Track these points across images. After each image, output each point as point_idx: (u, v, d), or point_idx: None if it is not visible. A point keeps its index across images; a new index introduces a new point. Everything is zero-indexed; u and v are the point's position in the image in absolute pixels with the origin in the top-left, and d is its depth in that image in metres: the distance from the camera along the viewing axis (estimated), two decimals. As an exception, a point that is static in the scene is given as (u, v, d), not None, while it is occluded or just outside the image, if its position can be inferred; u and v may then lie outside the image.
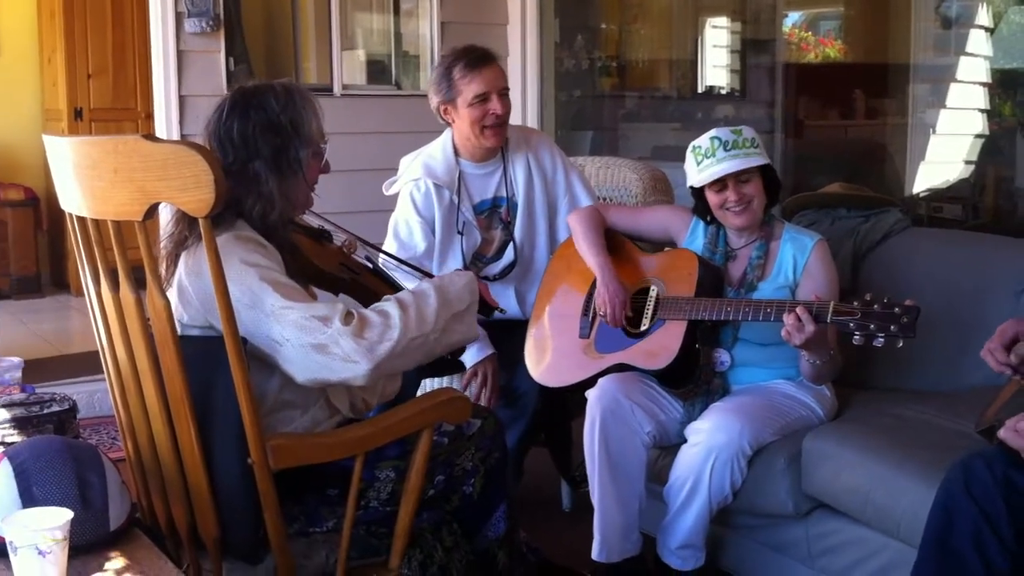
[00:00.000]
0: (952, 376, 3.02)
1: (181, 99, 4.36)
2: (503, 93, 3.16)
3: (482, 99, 3.13)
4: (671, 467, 2.76)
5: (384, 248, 3.13)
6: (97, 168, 1.88)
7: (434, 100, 3.22)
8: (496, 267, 3.30)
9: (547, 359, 3.03)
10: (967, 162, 5.51)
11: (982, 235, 3.94)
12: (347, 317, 1.99)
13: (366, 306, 2.12)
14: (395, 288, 2.43)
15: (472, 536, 2.40)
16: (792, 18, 6.76)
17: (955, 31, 5.58)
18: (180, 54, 4.35)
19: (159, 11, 4.30)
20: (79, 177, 1.93)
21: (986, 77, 5.41)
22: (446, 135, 3.29)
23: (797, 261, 2.85)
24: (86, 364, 4.27)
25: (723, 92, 6.84)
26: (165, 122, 4.35)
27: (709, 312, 2.72)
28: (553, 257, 3.24)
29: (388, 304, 2.07)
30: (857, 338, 2.46)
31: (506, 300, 3.20)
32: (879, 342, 2.43)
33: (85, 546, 1.90)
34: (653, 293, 2.89)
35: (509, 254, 3.30)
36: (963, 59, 5.54)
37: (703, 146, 2.83)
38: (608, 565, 2.82)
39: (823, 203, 3.50)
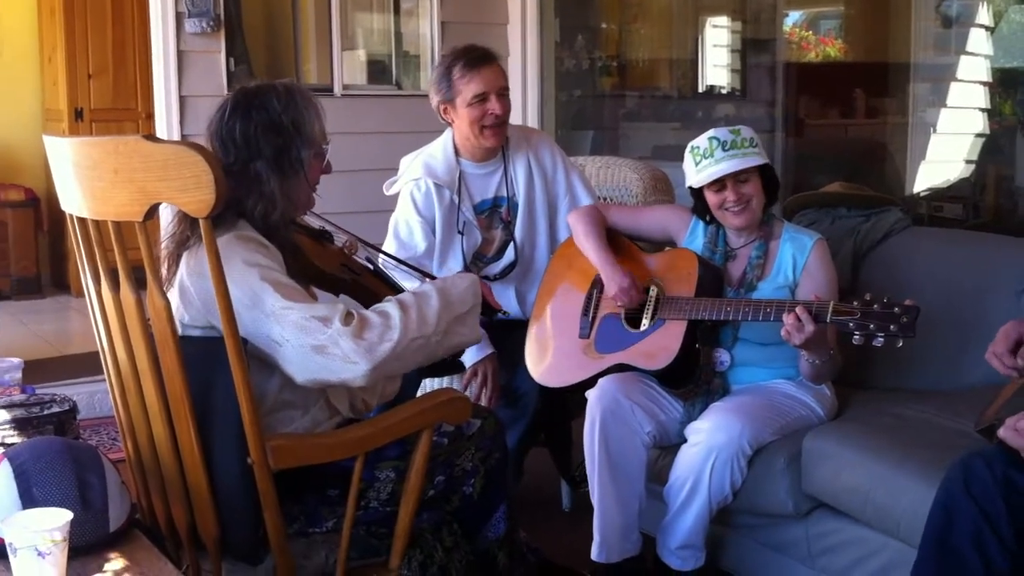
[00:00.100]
0: (952, 375, 3.01)
1: (181, 99, 4.36)
2: (502, 93, 3.16)
3: (481, 99, 3.13)
4: (671, 467, 2.76)
5: (384, 248, 3.13)
6: (97, 169, 1.88)
7: (434, 99, 3.22)
8: (496, 267, 3.30)
9: (547, 359, 3.03)
10: (968, 161, 5.51)
11: (983, 234, 3.93)
12: (347, 318, 1.99)
13: (367, 307, 2.12)
14: (396, 289, 2.43)
15: (472, 536, 2.41)
16: (792, 17, 6.76)
17: (955, 30, 5.58)
18: (180, 54, 4.35)
19: (159, 11, 4.30)
20: (79, 178, 1.93)
21: (986, 76, 5.41)
22: (446, 135, 3.29)
23: (796, 261, 2.85)
24: (86, 365, 4.27)
25: (723, 91, 6.83)
26: (165, 122, 4.35)
27: (709, 312, 2.72)
28: (553, 257, 3.24)
29: (389, 305, 2.07)
30: (857, 338, 2.46)
31: (506, 300, 3.20)
32: (879, 342, 2.43)
33: (85, 547, 1.91)
34: (653, 293, 2.89)
35: (509, 254, 3.30)
36: (963, 58, 5.54)
37: (701, 146, 2.83)
38: (608, 565, 2.82)
39: (823, 202, 3.50)
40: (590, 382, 2.88)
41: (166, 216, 2.21)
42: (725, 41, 6.78)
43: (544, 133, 4.09)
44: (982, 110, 5.45)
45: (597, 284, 3.01)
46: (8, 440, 2.79)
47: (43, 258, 7.24)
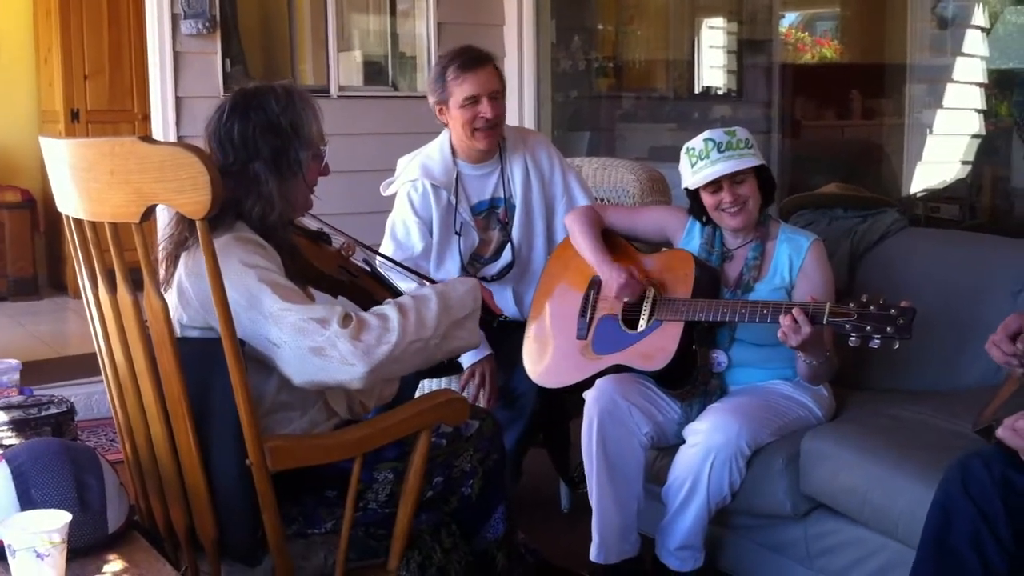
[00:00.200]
0: (949, 376, 3.02)
1: (177, 100, 4.36)
2: (494, 96, 3.14)
3: (472, 101, 3.12)
4: (669, 468, 2.76)
5: (381, 248, 3.13)
6: (93, 170, 1.88)
7: (431, 100, 3.22)
8: (494, 268, 3.30)
9: (545, 360, 3.03)
10: (964, 162, 5.53)
11: (979, 235, 3.94)
12: (345, 320, 1.99)
13: (364, 309, 2.12)
14: (393, 291, 2.43)
15: (471, 537, 2.40)
16: (789, 19, 6.78)
17: (951, 31, 5.59)
18: (176, 55, 4.35)
19: (155, 12, 4.30)
20: (76, 179, 1.93)
21: (982, 77, 5.43)
22: (444, 136, 3.29)
23: (793, 262, 2.86)
24: (84, 366, 4.26)
25: (720, 93, 6.85)
26: (162, 123, 4.35)
27: (706, 313, 2.72)
28: (550, 258, 3.24)
29: (387, 308, 2.07)
30: (853, 339, 2.46)
31: (504, 301, 3.20)
32: (875, 344, 2.44)
33: (83, 548, 1.91)
34: (650, 294, 2.89)
35: (507, 255, 3.30)
36: (959, 59, 5.55)
37: (697, 148, 2.83)
38: (606, 566, 2.82)
39: (820, 203, 3.50)
40: (588, 383, 2.88)
41: (165, 217, 2.20)
42: (721, 42, 6.79)
43: (541, 134, 4.10)
44: (978, 111, 5.47)
45: (594, 285, 3.01)
46: (6, 442, 2.78)
47: (40, 259, 7.24)
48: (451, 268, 3.22)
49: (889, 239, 3.30)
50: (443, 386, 3.17)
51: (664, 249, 3.09)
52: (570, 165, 3.45)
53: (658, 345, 2.78)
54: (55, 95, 7.02)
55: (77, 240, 2.01)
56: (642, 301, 2.88)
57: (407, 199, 3.21)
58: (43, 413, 2.91)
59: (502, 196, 3.29)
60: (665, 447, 2.85)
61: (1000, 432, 2.02)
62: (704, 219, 2.95)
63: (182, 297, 2.10)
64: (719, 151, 2.79)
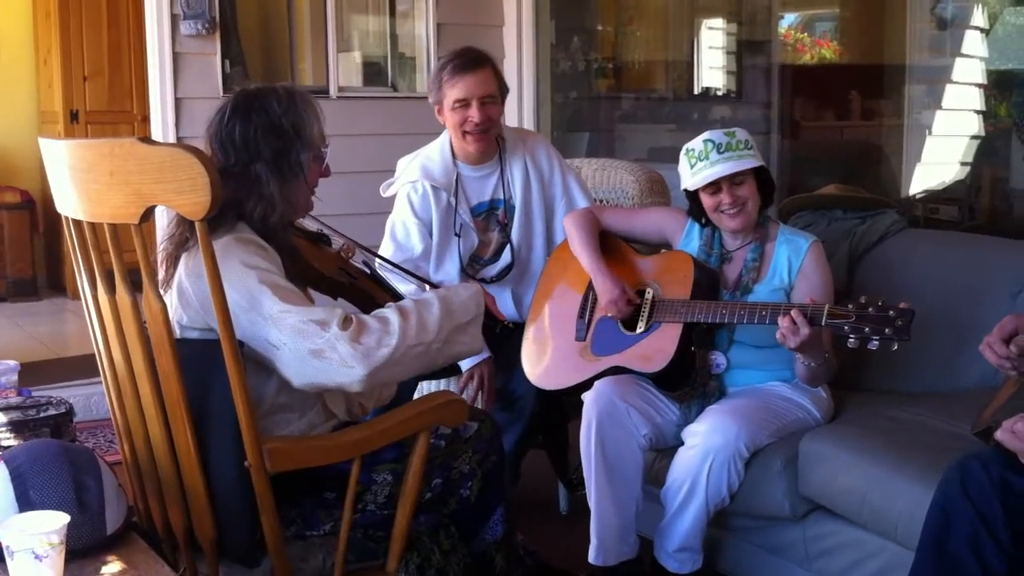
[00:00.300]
0: (948, 378, 3.02)
1: (177, 101, 4.36)
2: (485, 101, 3.13)
3: (463, 104, 3.12)
4: (668, 469, 2.76)
5: (381, 250, 3.13)
6: (93, 171, 1.88)
7: (430, 99, 3.23)
8: (493, 269, 3.30)
9: (544, 362, 3.03)
10: (963, 163, 5.53)
11: (978, 236, 3.94)
12: (345, 322, 1.98)
13: (364, 311, 2.12)
14: (393, 293, 2.43)
15: (469, 539, 2.40)
16: (788, 19, 6.78)
17: (951, 32, 5.60)
18: (176, 56, 4.35)
19: (155, 13, 4.30)
20: (75, 180, 1.93)
21: (982, 78, 5.43)
22: (444, 137, 3.29)
23: (792, 263, 2.86)
24: (83, 367, 4.26)
25: (719, 93, 6.85)
26: (161, 124, 4.35)
27: (705, 315, 2.72)
28: (550, 259, 3.24)
29: (389, 311, 2.07)
30: (852, 341, 2.46)
31: (503, 302, 3.20)
32: (874, 345, 2.44)
33: (82, 550, 1.90)
34: (649, 295, 2.89)
35: (506, 256, 3.30)
36: (959, 60, 5.56)
37: (696, 149, 2.83)
38: (605, 568, 2.82)
39: (819, 204, 3.50)
40: (587, 385, 2.88)
41: (165, 218, 2.20)
42: (721, 43, 6.79)
43: (540, 135, 4.10)
44: (977, 112, 5.47)
45: (593, 287, 3.01)
46: (4, 443, 2.78)
47: (39, 260, 7.24)
48: (450, 269, 3.22)
49: (888, 240, 3.30)
50: (442, 388, 3.17)
51: (663, 250, 3.09)
52: (570, 166, 3.44)
53: (657, 347, 2.78)
54: (54, 96, 7.02)
55: (76, 241, 2.01)
56: (640, 303, 2.89)
57: (407, 200, 3.21)
58: (42, 414, 2.91)
59: (502, 197, 3.29)
60: (664, 449, 2.85)
61: (999, 434, 2.02)
62: (703, 220, 2.95)
63: (182, 298, 2.10)
64: (718, 152, 2.79)
